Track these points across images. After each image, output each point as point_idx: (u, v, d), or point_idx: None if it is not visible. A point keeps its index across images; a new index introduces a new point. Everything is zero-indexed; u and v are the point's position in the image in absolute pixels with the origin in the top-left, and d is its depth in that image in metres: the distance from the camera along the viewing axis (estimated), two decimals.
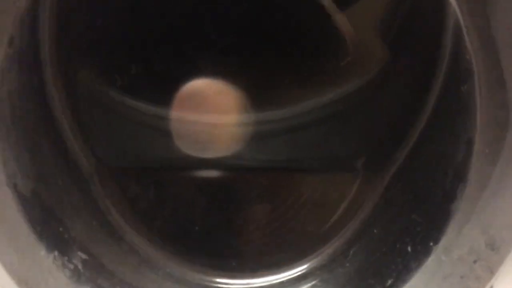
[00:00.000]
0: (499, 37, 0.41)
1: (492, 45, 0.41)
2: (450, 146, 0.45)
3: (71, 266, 0.42)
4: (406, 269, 0.45)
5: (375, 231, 0.50)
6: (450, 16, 0.44)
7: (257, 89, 0.55)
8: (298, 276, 0.51)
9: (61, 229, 0.43)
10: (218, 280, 0.51)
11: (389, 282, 0.45)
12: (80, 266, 0.43)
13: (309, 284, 0.50)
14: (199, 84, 0.55)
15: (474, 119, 0.43)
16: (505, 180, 0.41)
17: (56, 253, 0.41)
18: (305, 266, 0.51)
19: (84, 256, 0.44)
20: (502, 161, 0.41)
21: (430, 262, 0.43)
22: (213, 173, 0.56)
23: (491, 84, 0.42)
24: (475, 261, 0.41)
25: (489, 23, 0.41)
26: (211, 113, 0.55)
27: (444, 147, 0.46)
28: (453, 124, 0.45)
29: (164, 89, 0.54)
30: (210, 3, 0.52)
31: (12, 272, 0.37)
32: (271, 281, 0.51)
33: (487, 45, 0.42)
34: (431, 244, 0.44)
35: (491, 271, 0.39)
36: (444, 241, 0.43)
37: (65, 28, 0.49)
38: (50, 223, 0.43)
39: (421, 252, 0.44)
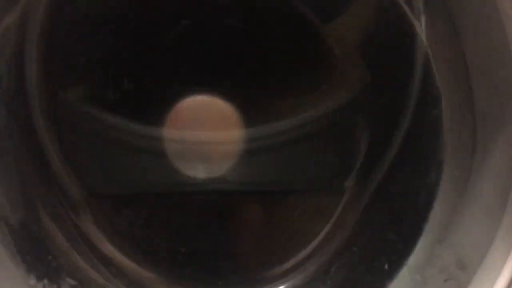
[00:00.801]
0: (469, 63, 0.43)
1: (461, 71, 0.43)
2: (422, 168, 0.47)
3: None
4: (383, 286, 0.47)
5: (354, 249, 0.52)
6: (419, 45, 0.46)
7: (245, 107, 0.56)
8: None
9: (49, 257, 0.45)
10: None
11: None
12: None
13: None
14: (187, 104, 0.56)
15: (444, 143, 0.45)
16: (473, 201, 0.43)
17: (45, 281, 0.43)
18: (288, 284, 0.53)
19: (73, 282, 0.45)
20: (471, 183, 0.43)
21: (404, 280, 0.45)
22: (201, 197, 0.57)
23: (460, 109, 0.44)
24: (445, 280, 0.42)
25: (458, 50, 0.43)
26: (200, 132, 0.56)
27: (416, 170, 0.48)
28: (424, 147, 0.47)
29: (153, 110, 0.55)
30: (199, 22, 0.53)
31: None
32: None
33: (456, 72, 0.44)
34: (406, 262, 0.46)
35: None
36: (417, 260, 0.45)
37: (53, 57, 0.50)
38: (39, 253, 0.44)
39: (396, 270, 0.46)
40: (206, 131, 0.57)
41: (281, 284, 0.53)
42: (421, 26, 0.45)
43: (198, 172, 0.57)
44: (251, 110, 0.56)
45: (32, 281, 0.42)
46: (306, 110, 0.56)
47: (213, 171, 0.57)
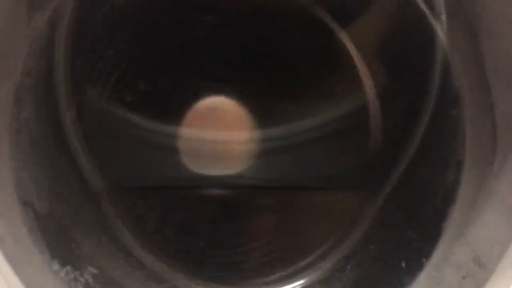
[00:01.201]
0: (487, 64, 0.43)
1: (480, 72, 0.44)
2: (440, 168, 0.47)
3: (82, 280, 0.45)
4: (399, 284, 0.47)
5: (371, 247, 0.53)
6: (439, 45, 0.46)
7: (261, 108, 0.57)
8: None
9: (73, 245, 0.46)
10: None
11: None
12: (90, 280, 0.45)
13: None
14: (204, 104, 0.57)
15: (463, 142, 0.45)
16: (493, 200, 0.43)
17: (68, 267, 0.44)
18: (304, 281, 0.53)
19: (94, 271, 0.46)
20: (490, 182, 0.43)
21: (422, 278, 0.46)
22: (218, 191, 0.58)
23: (479, 109, 0.45)
24: (464, 277, 0.43)
25: (477, 52, 0.44)
26: (217, 131, 0.57)
27: (435, 169, 0.48)
28: (443, 147, 0.47)
29: (170, 109, 0.56)
30: (215, 24, 0.54)
31: (28, 285, 0.39)
32: None
33: (475, 73, 0.44)
34: (424, 260, 0.46)
35: (478, 287, 0.41)
36: (435, 257, 0.45)
37: (79, 54, 0.52)
38: (63, 240, 0.45)
39: (414, 267, 0.46)
40: (222, 131, 0.58)
41: (297, 281, 0.54)
42: (440, 26, 0.46)
43: (216, 169, 0.58)
44: (269, 111, 0.57)
45: (55, 267, 0.43)
46: (323, 111, 0.57)
47: (230, 169, 0.58)
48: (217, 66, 0.55)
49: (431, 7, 0.46)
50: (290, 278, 0.54)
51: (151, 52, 0.55)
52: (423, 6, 0.46)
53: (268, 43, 0.55)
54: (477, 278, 0.41)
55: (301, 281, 0.53)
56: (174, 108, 0.56)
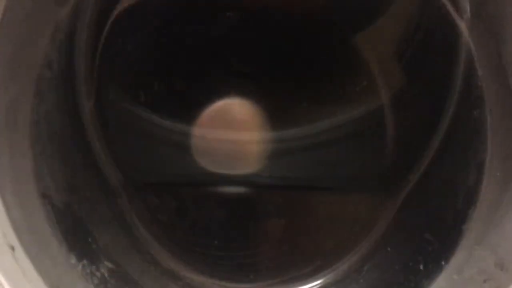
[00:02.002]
0: (510, 64, 0.43)
1: (503, 73, 0.43)
2: (461, 169, 0.46)
3: (98, 274, 0.45)
4: (418, 286, 0.46)
5: (388, 249, 0.52)
6: (463, 45, 0.46)
7: (276, 109, 0.57)
8: None
9: (90, 239, 0.46)
10: None
11: None
12: (106, 275, 0.45)
13: None
14: (221, 104, 0.57)
15: (485, 144, 0.45)
16: None
17: (85, 261, 0.44)
18: (320, 281, 0.53)
19: (110, 266, 0.46)
20: None
21: (441, 281, 0.45)
22: (232, 189, 0.58)
23: (502, 110, 0.44)
24: (485, 281, 0.42)
25: (500, 52, 0.43)
26: (231, 131, 0.57)
27: (455, 170, 0.47)
28: (464, 148, 0.46)
29: (187, 107, 0.57)
30: (232, 27, 0.54)
31: (45, 278, 0.39)
32: None
33: (498, 73, 0.44)
34: (443, 263, 0.45)
35: None
36: (455, 261, 0.45)
37: (99, 49, 0.52)
38: (80, 234, 0.45)
39: (433, 270, 0.46)
40: (237, 131, 0.58)
41: (312, 282, 0.53)
42: (465, 25, 0.45)
43: (231, 169, 0.58)
44: (284, 112, 0.57)
45: (73, 260, 0.43)
46: (340, 113, 0.56)
47: (244, 169, 0.58)
48: (234, 66, 0.56)
49: (456, 6, 0.45)
50: (306, 278, 0.53)
51: (170, 49, 0.55)
52: (447, 5, 0.46)
53: (284, 45, 0.55)
54: (499, 281, 0.41)
55: (317, 282, 0.53)
56: (190, 106, 0.56)
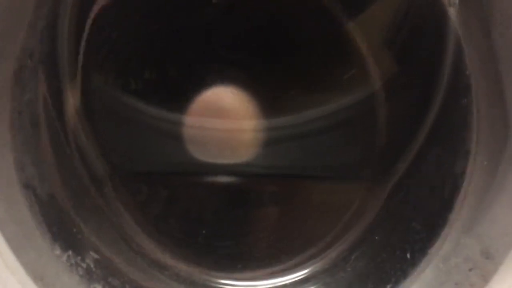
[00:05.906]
0: (499, 53, 0.42)
1: (491, 61, 0.43)
2: (449, 157, 0.46)
3: (84, 265, 0.44)
4: (404, 275, 0.46)
5: (376, 237, 0.52)
6: (451, 33, 0.45)
7: (267, 97, 0.56)
8: (301, 279, 0.53)
9: (75, 230, 0.45)
10: (224, 281, 0.53)
11: (388, 287, 0.47)
12: (92, 265, 0.45)
13: (311, 287, 0.52)
14: (211, 92, 0.56)
15: (472, 132, 0.44)
16: (502, 191, 0.42)
17: (70, 252, 0.43)
18: (308, 270, 0.53)
19: (96, 256, 0.46)
20: (500, 173, 0.43)
21: (427, 269, 0.45)
22: (222, 178, 0.58)
23: (490, 98, 0.44)
24: (470, 269, 0.42)
25: (489, 40, 0.43)
26: (222, 120, 0.57)
27: (443, 159, 0.47)
28: (452, 136, 0.46)
29: (177, 95, 0.56)
30: (222, 14, 0.54)
31: (29, 269, 0.39)
32: (275, 283, 0.53)
33: (486, 61, 0.43)
34: (429, 251, 0.45)
35: (485, 279, 0.40)
36: (442, 249, 0.45)
37: (84, 36, 0.51)
38: (65, 224, 0.45)
39: (419, 259, 0.46)
40: (228, 120, 0.57)
41: (301, 270, 0.53)
42: (454, 12, 0.44)
43: (222, 158, 0.57)
44: (276, 100, 0.57)
45: (57, 251, 0.43)
46: (331, 101, 0.56)
47: (235, 158, 0.57)
48: (225, 54, 0.55)
49: None
50: (295, 267, 0.53)
51: (158, 37, 0.55)
52: None
53: (276, 32, 0.54)
54: (484, 270, 0.41)
55: (306, 271, 0.53)
56: (180, 94, 0.56)
